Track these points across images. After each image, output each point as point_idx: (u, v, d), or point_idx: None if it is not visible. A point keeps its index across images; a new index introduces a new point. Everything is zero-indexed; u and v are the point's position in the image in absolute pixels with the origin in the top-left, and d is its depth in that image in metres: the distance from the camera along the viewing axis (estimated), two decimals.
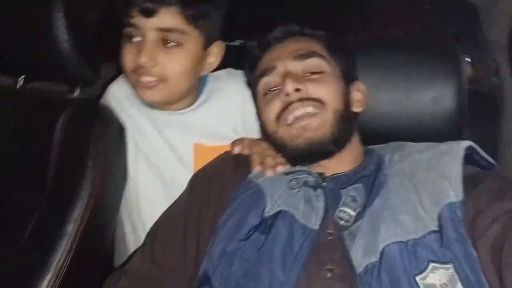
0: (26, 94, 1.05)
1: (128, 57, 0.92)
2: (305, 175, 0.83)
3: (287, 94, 0.82)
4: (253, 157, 0.90)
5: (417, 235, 0.69)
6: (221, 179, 0.88)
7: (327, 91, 0.83)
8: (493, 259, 0.64)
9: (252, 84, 0.95)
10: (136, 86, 0.94)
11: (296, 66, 0.85)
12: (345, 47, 0.93)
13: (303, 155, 0.83)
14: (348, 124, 0.85)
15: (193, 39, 0.92)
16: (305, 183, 0.82)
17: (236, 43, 1.32)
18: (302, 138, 0.81)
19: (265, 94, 0.89)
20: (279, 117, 0.84)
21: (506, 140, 1.23)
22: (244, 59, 0.98)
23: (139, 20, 0.89)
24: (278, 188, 0.83)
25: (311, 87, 0.82)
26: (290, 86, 0.81)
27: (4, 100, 1.01)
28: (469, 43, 1.60)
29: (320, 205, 0.78)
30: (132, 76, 0.94)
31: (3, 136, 0.96)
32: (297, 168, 0.85)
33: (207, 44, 0.96)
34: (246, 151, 0.93)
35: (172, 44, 0.90)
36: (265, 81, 0.88)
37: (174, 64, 0.91)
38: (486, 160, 0.80)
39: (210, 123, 1.02)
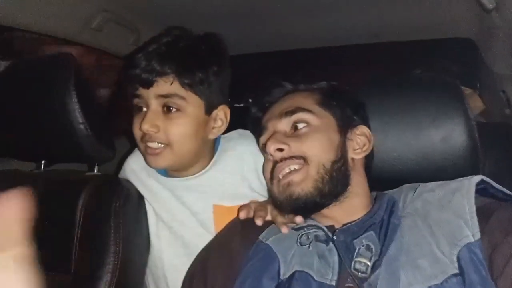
0: (46, 177, 1.10)
1: (136, 127, 0.97)
2: (315, 229, 0.82)
3: (271, 154, 0.85)
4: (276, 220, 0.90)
5: (438, 280, 0.67)
6: (229, 247, 0.87)
7: (310, 146, 0.84)
8: None
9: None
10: (144, 154, 0.98)
11: (284, 124, 0.88)
12: (343, 95, 0.94)
13: (293, 209, 0.83)
14: (339, 175, 0.83)
15: (193, 104, 0.96)
16: (316, 238, 0.81)
17: (246, 104, 1.37)
18: (287, 193, 0.82)
19: (263, 152, 0.93)
20: (271, 176, 0.86)
21: None
22: (248, 121, 1.03)
23: (141, 91, 0.94)
24: (290, 247, 0.82)
25: (294, 145, 0.84)
26: (270, 148, 0.84)
27: (25, 183, 1.04)
28: (474, 78, 1.62)
29: (334, 259, 0.76)
30: (140, 145, 0.98)
31: None
32: (306, 223, 0.85)
33: (209, 108, 0.99)
34: (251, 215, 0.93)
35: (173, 110, 0.94)
36: (261, 141, 0.92)
37: (176, 129, 0.94)
38: (502, 191, 0.78)
39: (226, 183, 1.04)
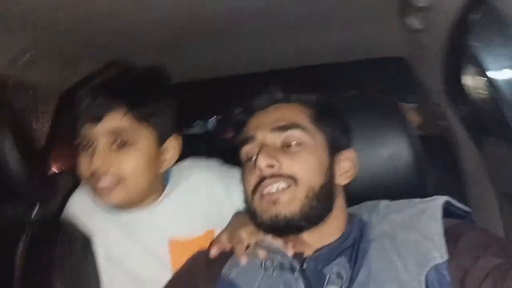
0: None
1: (83, 165, 0.92)
2: (280, 256, 0.80)
3: (260, 169, 0.80)
4: (236, 249, 0.87)
5: None
6: (193, 283, 0.83)
7: (302, 167, 0.81)
8: None
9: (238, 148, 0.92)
10: (95, 192, 0.93)
11: (275, 138, 0.84)
12: (335, 112, 0.91)
13: (272, 228, 0.80)
14: (325, 200, 0.82)
15: (145, 136, 0.93)
16: (280, 265, 0.79)
17: (196, 130, 1.34)
18: (272, 212, 0.78)
19: (245, 162, 0.87)
20: (254, 190, 0.82)
21: (469, 178, 1.26)
22: (230, 124, 0.97)
23: (88, 127, 0.90)
24: (254, 278, 0.79)
25: (285, 163, 0.80)
26: (262, 163, 0.80)
27: None
28: (408, 93, 1.71)
29: None
30: (90, 183, 0.93)
31: None
32: (273, 246, 0.82)
33: (161, 140, 0.97)
34: (226, 248, 0.89)
35: (123, 145, 0.91)
36: (246, 150, 0.87)
37: (129, 164, 0.91)
38: (462, 209, 0.81)
39: (180, 215, 1.00)
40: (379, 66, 1.67)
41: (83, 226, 0.99)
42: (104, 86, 0.92)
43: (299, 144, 0.83)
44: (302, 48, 1.53)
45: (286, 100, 0.91)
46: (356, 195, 0.91)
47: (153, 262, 0.98)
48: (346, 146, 0.89)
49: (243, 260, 0.83)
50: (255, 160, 0.82)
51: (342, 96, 1.08)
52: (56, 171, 1.18)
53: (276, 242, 0.83)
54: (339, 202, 0.86)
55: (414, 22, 1.15)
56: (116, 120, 0.90)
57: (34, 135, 1.15)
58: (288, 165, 0.80)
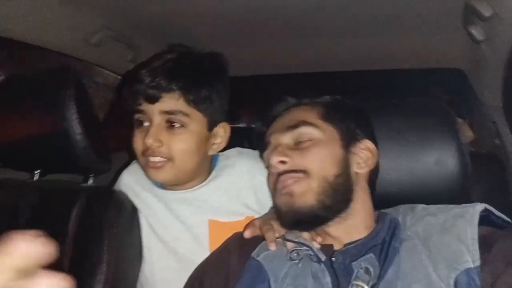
0: (39, 186, 1.10)
1: (138, 141, 0.98)
2: (306, 248, 0.82)
3: (274, 167, 0.85)
4: (266, 235, 0.90)
5: None
6: (227, 266, 0.86)
7: (312, 160, 0.84)
8: None
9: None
10: (145, 167, 0.99)
11: (287, 138, 0.88)
12: (347, 108, 0.94)
13: (295, 222, 0.83)
14: (342, 188, 0.83)
15: (196, 120, 0.98)
16: (307, 256, 0.81)
17: (242, 124, 1.39)
18: (288, 204, 0.82)
19: (268, 167, 0.92)
20: (274, 187, 0.86)
21: None
22: (253, 135, 1.02)
23: (145, 106, 0.96)
24: (282, 265, 0.82)
25: (296, 158, 0.84)
26: (273, 160, 0.85)
27: (20, 193, 1.05)
28: (464, 108, 1.67)
29: (327, 280, 0.76)
30: (142, 159, 0.99)
31: (16, 227, 0.97)
32: (298, 239, 0.84)
33: (211, 125, 1.01)
34: (257, 233, 0.92)
35: (177, 125, 0.96)
36: (265, 156, 0.92)
37: (179, 144, 0.96)
38: (501, 218, 0.79)
39: (222, 199, 1.04)
40: (437, 76, 1.64)
41: (132, 198, 1.06)
42: (164, 68, 0.97)
43: (309, 139, 0.87)
44: (367, 52, 1.53)
45: (298, 104, 0.96)
46: (399, 198, 0.91)
47: (191, 241, 1.02)
48: (363, 137, 0.90)
49: (272, 247, 0.85)
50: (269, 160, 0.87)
51: (396, 100, 1.08)
52: (112, 148, 1.25)
53: (304, 235, 0.86)
54: (361, 195, 0.86)
55: (477, 32, 1.13)
56: (171, 102, 0.95)
57: (95, 111, 1.22)
58: (299, 159, 0.84)
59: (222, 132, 1.04)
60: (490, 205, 0.80)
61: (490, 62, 1.20)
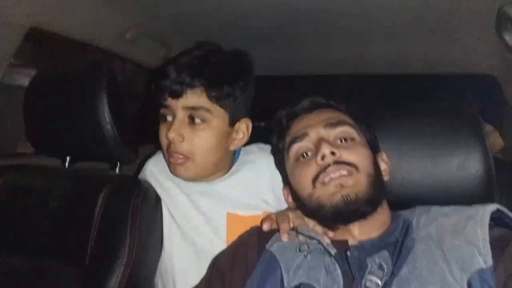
0: (70, 172, 1.15)
1: (162, 135, 1.01)
2: (316, 242, 0.83)
3: (323, 157, 0.84)
4: (280, 226, 0.91)
5: None
6: (245, 257, 0.88)
7: (358, 156, 0.85)
8: None
9: (279, 152, 0.98)
10: (168, 162, 1.02)
11: (328, 133, 0.89)
12: (366, 120, 0.97)
13: (340, 214, 0.82)
14: (380, 189, 0.85)
15: (218, 116, 0.99)
16: (317, 251, 0.82)
17: (261, 124, 1.40)
18: (340, 194, 0.81)
19: (297, 160, 0.91)
20: (315, 179, 0.85)
21: None
22: (272, 128, 1.02)
23: (170, 101, 0.98)
24: (294, 256, 0.83)
25: (343, 153, 0.85)
26: (326, 149, 0.83)
27: (51, 178, 1.10)
28: (495, 115, 1.63)
29: (338, 273, 0.77)
30: (166, 154, 1.02)
31: (48, 211, 1.03)
32: (309, 233, 0.85)
33: (233, 121, 1.02)
34: (275, 226, 0.93)
35: (198, 121, 0.98)
36: (297, 147, 0.91)
37: (200, 140, 0.98)
38: None
39: (242, 193, 1.06)
40: (470, 82, 1.61)
41: (156, 187, 1.09)
42: (189, 65, 0.99)
43: (351, 139, 0.89)
44: (396, 55, 1.53)
45: (327, 106, 0.97)
46: (420, 200, 0.91)
47: (210, 233, 1.04)
48: (379, 150, 0.95)
49: (285, 238, 0.86)
50: (316, 151, 0.86)
51: (423, 103, 1.07)
52: (140, 140, 1.30)
53: (317, 228, 0.87)
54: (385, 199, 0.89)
55: (510, 38, 1.11)
56: (194, 98, 0.97)
57: (127, 103, 1.26)
58: (347, 154, 0.85)
59: (244, 127, 1.06)
60: None
61: None
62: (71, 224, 1.00)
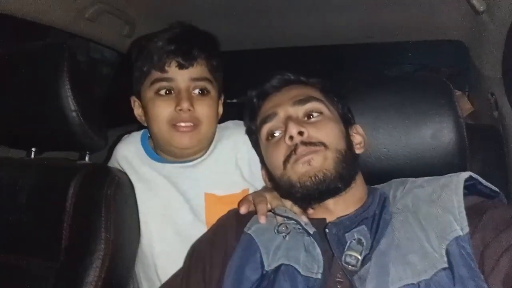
0: (37, 164, 1.09)
1: (164, 109, 0.99)
2: (293, 222, 0.83)
3: (291, 137, 0.83)
4: (257, 208, 0.91)
5: (427, 275, 0.68)
6: (224, 241, 0.88)
7: (327, 133, 0.85)
8: None
9: (253, 132, 0.99)
10: (172, 135, 1.00)
11: (297, 111, 0.88)
12: (340, 93, 0.96)
13: (311, 194, 0.82)
14: (351, 164, 0.85)
15: (214, 87, 1.04)
16: (295, 229, 0.83)
17: (234, 100, 1.39)
18: (308, 175, 0.81)
19: (268, 139, 0.91)
20: (285, 161, 0.85)
21: None
22: (244, 109, 1.02)
23: (174, 73, 0.99)
24: (273, 238, 0.83)
25: (312, 131, 0.84)
26: (294, 129, 0.83)
27: (17, 171, 1.05)
28: (464, 80, 1.65)
29: (317, 251, 0.77)
30: (166, 127, 1.00)
31: (16, 205, 0.98)
32: (286, 213, 0.85)
33: (219, 94, 1.08)
34: (253, 208, 0.93)
35: (204, 91, 1.02)
36: (268, 127, 0.91)
37: (207, 109, 1.02)
38: (489, 188, 0.80)
39: (220, 172, 1.06)
40: (437, 48, 1.62)
41: (129, 172, 1.06)
42: (188, 38, 1.01)
43: (320, 114, 0.88)
44: (365, 24, 1.51)
45: (297, 81, 0.97)
46: (395, 172, 0.92)
47: (189, 213, 1.04)
48: (354, 122, 0.95)
49: (263, 220, 0.87)
50: (285, 131, 0.85)
51: (394, 73, 1.07)
52: (109, 124, 1.25)
53: (294, 209, 0.88)
54: (359, 173, 0.89)
55: (478, 3, 1.11)
56: (198, 69, 1.01)
57: (91, 88, 1.21)
58: (315, 132, 0.84)
59: (221, 102, 1.10)
60: (487, 178, 0.81)
61: (491, 33, 1.18)
62: (42, 218, 0.96)
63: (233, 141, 1.08)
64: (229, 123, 1.13)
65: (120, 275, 0.98)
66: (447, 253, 0.69)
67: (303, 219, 0.83)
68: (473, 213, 0.72)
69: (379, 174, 0.93)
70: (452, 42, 1.46)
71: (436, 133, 0.89)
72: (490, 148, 1.29)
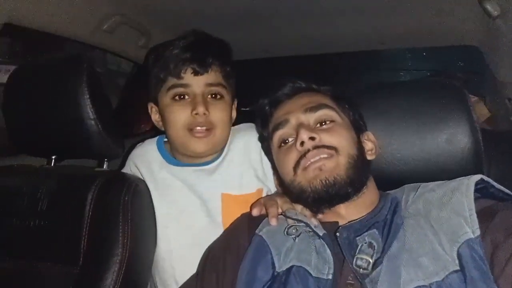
0: (57, 172, 1.12)
1: (181, 114, 1.02)
2: (303, 225, 0.84)
3: (302, 143, 0.84)
4: (268, 211, 0.92)
5: (439, 277, 0.68)
6: (236, 244, 0.89)
7: (339, 139, 0.85)
8: None
9: (265, 139, 1.00)
10: (186, 139, 1.03)
11: (308, 118, 0.89)
12: (351, 100, 0.97)
13: (321, 198, 0.83)
14: (362, 170, 0.85)
15: (228, 92, 1.08)
16: (306, 233, 0.83)
17: (247, 109, 1.41)
18: (319, 179, 0.81)
19: (280, 146, 0.92)
20: (296, 166, 0.85)
21: None
22: (256, 116, 1.04)
23: (189, 79, 1.02)
24: (284, 240, 0.84)
25: (323, 136, 0.85)
26: (304, 135, 0.84)
27: (38, 178, 1.08)
28: (480, 85, 1.63)
29: (327, 253, 0.78)
30: (182, 132, 1.02)
31: (37, 212, 1.01)
32: (297, 216, 0.86)
33: (233, 98, 1.11)
34: (264, 211, 0.94)
35: (218, 96, 1.05)
36: (279, 134, 0.92)
37: (220, 113, 1.05)
38: (502, 191, 0.79)
39: (234, 173, 1.08)
40: (453, 54, 1.61)
41: (146, 175, 1.09)
42: (201, 46, 1.04)
43: (331, 121, 0.89)
44: (379, 31, 1.51)
45: (308, 89, 0.98)
46: (410, 176, 0.91)
47: (206, 215, 1.06)
48: (365, 129, 0.95)
49: (274, 222, 0.88)
50: (296, 137, 0.86)
51: (409, 79, 1.07)
52: (124, 133, 1.28)
53: (305, 212, 0.88)
54: (371, 177, 0.89)
55: (492, 7, 1.11)
56: (214, 75, 1.05)
57: (109, 97, 1.24)
58: (327, 137, 0.85)
59: (234, 106, 1.14)
60: (505, 182, 0.80)
61: (505, 38, 1.17)
62: (62, 224, 0.99)
63: (246, 141, 1.10)
64: (242, 125, 1.16)
65: (137, 279, 0.99)
66: (459, 256, 0.69)
67: (313, 222, 0.84)
68: (484, 215, 0.72)
69: (393, 180, 0.93)
70: (467, 47, 1.45)
71: (451, 138, 0.89)
72: (507, 154, 1.27)
